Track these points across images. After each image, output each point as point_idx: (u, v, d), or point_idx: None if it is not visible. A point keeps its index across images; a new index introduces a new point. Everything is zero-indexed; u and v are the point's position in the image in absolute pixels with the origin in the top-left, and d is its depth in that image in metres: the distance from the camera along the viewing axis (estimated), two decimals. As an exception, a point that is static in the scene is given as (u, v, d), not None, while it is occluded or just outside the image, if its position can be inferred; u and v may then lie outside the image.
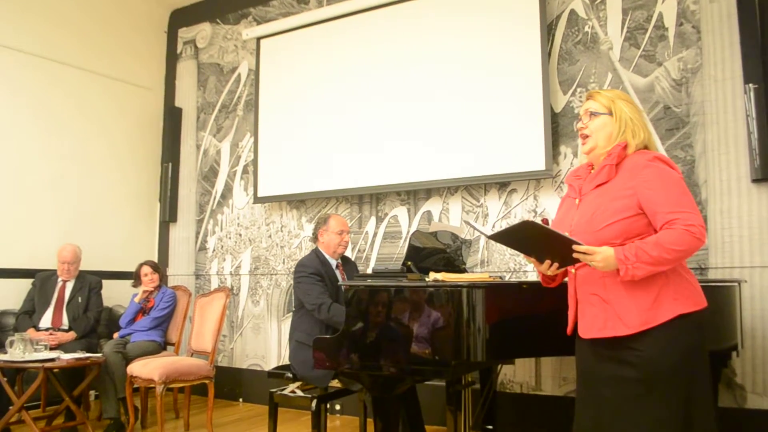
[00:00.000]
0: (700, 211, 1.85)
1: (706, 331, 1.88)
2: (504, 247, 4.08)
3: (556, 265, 1.92)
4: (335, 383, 3.31)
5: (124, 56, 5.61)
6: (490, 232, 1.95)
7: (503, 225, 4.10)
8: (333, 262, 3.55)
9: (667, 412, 1.75)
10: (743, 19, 3.44)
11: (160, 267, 4.57)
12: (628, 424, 1.78)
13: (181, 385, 3.91)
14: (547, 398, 3.85)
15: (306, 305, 3.35)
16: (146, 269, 4.47)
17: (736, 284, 2.86)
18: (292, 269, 4.91)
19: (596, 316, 1.87)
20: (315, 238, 3.62)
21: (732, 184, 3.43)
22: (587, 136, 1.99)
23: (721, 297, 2.75)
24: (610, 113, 1.95)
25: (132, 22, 5.71)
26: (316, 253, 3.55)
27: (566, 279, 2.07)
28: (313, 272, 3.38)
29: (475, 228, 2.02)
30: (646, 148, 1.92)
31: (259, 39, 5.25)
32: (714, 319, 2.61)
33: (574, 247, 1.77)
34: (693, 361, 1.80)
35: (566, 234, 1.81)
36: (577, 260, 1.82)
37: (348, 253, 4.16)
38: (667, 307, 1.78)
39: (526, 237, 1.89)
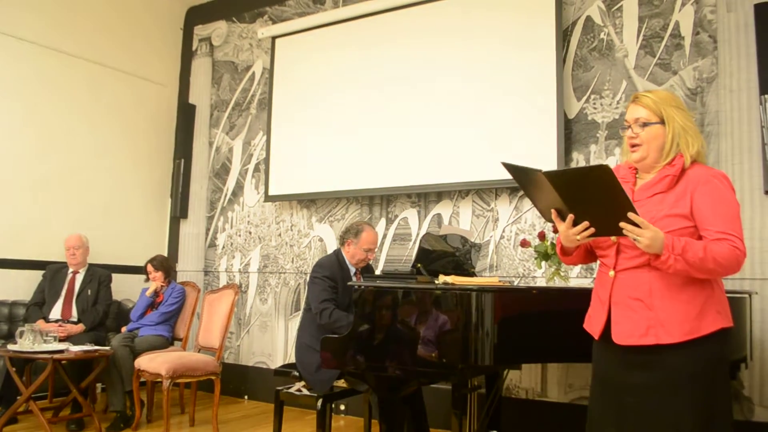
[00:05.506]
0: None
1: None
2: (513, 252, 4.07)
3: (590, 230, 1.79)
4: (341, 383, 3.31)
5: (139, 52, 5.65)
6: (541, 170, 1.78)
7: (513, 230, 4.10)
8: (352, 269, 3.50)
9: (689, 417, 1.73)
10: (760, 30, 3.42)
11: (165, 263, 4.57)
12: (649, 428, 1.77)
13: (187, 380, 3.94)
14: (552, 405, 3.84)
15: (311, 307, 3.36)
16: (149, 267, 4.52)
17: (746, 296, 2.85)
18: (301, 268, 4.95)
19: (637, 323, 1.80)
20: (342, 242, 3.53)
21: (744, 195, 3.41)
22: (637, 145, 1.89)
23: (731, 308, 2.73)
24: (662, 122, 1.88)
25: (148, 18, 5.75)
26: (337, 255, 3.50)
27: (591, 282, 2.03)
28: (327, 275, 3.35)
29: (515, 168, 1.87)
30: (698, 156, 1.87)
31: (274, 38, 5.27)
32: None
33: (630, 215, 1.68)
34: (716, 372, 1.78)
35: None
36: (618, 232, 1.73)
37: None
38: (711, 320, 1.77)
39: (582, 186, 1.75)
